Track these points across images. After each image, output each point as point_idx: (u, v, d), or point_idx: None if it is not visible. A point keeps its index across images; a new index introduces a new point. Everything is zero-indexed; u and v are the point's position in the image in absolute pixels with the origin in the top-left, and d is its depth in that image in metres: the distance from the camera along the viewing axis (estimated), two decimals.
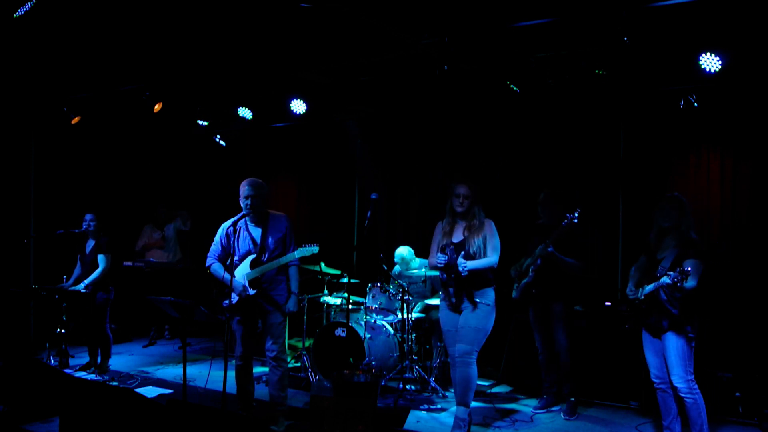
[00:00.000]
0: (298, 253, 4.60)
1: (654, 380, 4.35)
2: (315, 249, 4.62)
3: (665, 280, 3.93)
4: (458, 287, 4.60)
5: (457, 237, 4.66)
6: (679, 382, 4.13)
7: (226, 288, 4.56)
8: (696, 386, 4.14)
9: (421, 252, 6.49)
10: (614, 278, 6.49)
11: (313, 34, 5.43)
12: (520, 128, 6.92)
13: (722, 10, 4.57)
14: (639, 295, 4.26)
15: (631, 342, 5.36)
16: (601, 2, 4.64)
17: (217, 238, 4.76)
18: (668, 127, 6.17)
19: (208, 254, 4.77)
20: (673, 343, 4.14)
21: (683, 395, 4.14)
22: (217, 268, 4.71)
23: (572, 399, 5.18)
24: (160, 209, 8.42)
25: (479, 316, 4.56)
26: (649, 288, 4.14)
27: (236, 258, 4.65)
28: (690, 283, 3.89)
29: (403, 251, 6.52)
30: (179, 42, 5.77)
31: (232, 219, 4.70)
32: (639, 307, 4.27)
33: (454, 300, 4.65)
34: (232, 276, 4.48)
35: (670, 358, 4.15)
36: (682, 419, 4.35)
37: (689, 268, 3.81)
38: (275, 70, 6.38)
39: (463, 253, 4.52)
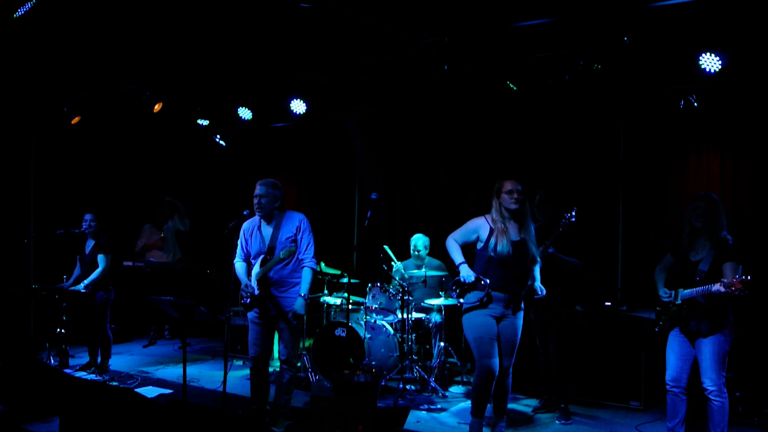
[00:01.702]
0: (283, 254, 4.47)
1: (669, 382, 4.26)
2: (293, 247, 4.52)
3: (718, 288, 3.85)
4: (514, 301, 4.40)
5: (514, 236, 4.39)
6: (712, 386, 4.05)
7: (240, 289, 4.65)
8: (725, 390, 4.08)
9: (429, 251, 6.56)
10: (614, 278, 6.49)
11: (313, 34, 5.43)
12: (520, 128, 6.93)
13: (722, 10, 4.57)
14: (675, 298, 4.15)
15: (631, 342, 5.37)
16: (601, 2, 4.64)
17: (239, 240, 4.80)
18: (668, 127, 6.17)
19: (235, 255, 4.81)
20: (710, 347, 4.05)
21: (713, 398, 4.06)
22: (238, 267, 4.77)
23: (562, 405, 5.16)
24: (161, 208, 8.41)
25: (521, 326, 4.47)
26: (689, 292, 4.05)
27: (252, 258, 4.72)
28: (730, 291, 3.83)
29: (422, 239, 6.51)
30: (179, 42, 5.77)
31: (250, 220, 4.76)
32: (678, 311, 4.15)
33: (505, 309, 4.37)
34: (234, 275, 4.48)
35: (706, 361, 4.06)
36: (687, 425, 4.31)
37: (748, 277, 3.74)
38: (275, 70, 6.38)
39: (536, 283, 4.46)
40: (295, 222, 4.67)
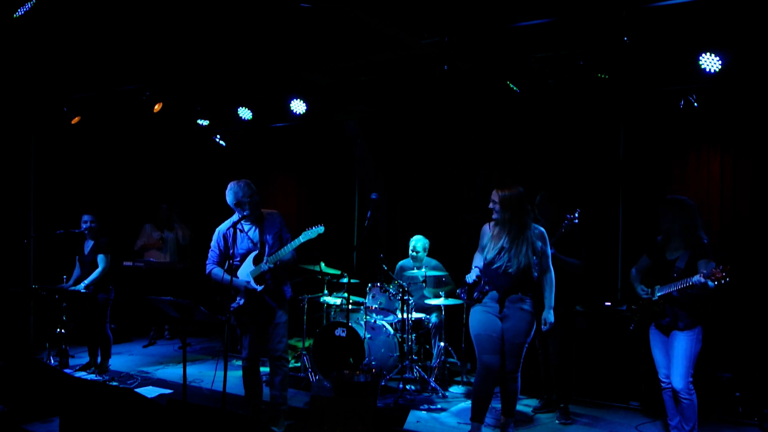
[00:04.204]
0: (303, 237, 4.54)
1: (663, 379, 4.33)
2: (320, 229, 4.56)
3: (698, 279, 3.91)
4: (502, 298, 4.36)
5: (506, 244, 4.35)
6: (679, 383, 4.13)
7: (231, 290, 4.57)
8: (692, 387, 4.15)
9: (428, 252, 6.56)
10: (614, 278, 6.49)
11: (313, 34, 5.43)
12: (520, 128, 6.93)
13: (722, 10, 4.58)
14: (653, 295, 4.25)
15: (631, 342, 5.37)
16: (601, 2, 4.64)
17: (213, 243, 4.75)
18: (668, 127, 6.17)
19: (207, 261, 4.76)
20: (682, 343, 4.14)
21: (682, 396, 4.15)
22: (218, 272, 4.70)
23: (562, 405, 5.16)
24: (161, 208, 8.40)
25: (525, 330, 4.33)
26: (667, 287, 4.13)
27: (236, 260, 4.65)
28: (711, 284, 3.89)
29: (421, 241, 6.49)
30: (179, 42, 5.77)
31: (228, 222, 4.71)
32: (653, 307, 4.25)
33: (500, 309, 4.35)
34: (232, 278, 4.47)
35: (676, 357, 4.15)
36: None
37: (721, 267, 3.82)
38: (275, 70, 6.38)
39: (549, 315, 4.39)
40: (276, 217, 4.76)
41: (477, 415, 4.39)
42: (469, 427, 4.50)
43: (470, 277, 4.40)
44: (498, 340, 4.31)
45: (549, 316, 4.42)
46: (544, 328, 4.43)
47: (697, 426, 4.21)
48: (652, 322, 4.34)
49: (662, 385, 4.35)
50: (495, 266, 4.34)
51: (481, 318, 4.37)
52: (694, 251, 4.14)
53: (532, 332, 4.37)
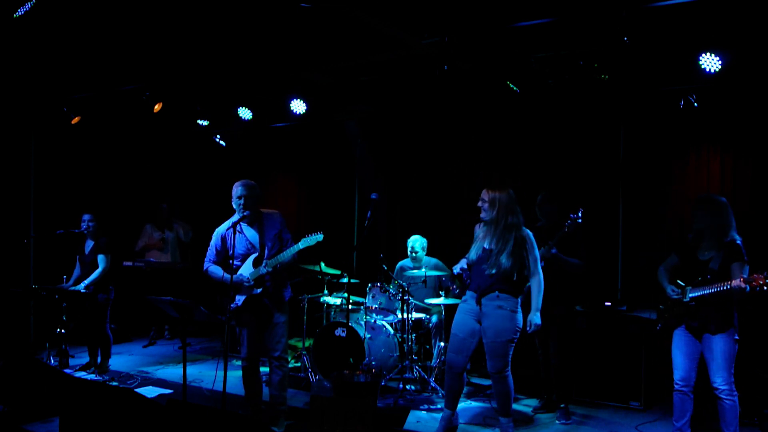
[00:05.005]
0: (302, 243, 4.55)
1: (678, 381, 4.25)
2: (319, 237, 4.58)
3: (738, 284, 3.83)
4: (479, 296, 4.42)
5: (488, 245, 4.39)
6: (723, 385, 4.05)
7: (231, 290, 4.57)
8: (735, 388, 4.08)
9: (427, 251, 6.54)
10: (614, 278, 6.49)
11: (313, 34, 5.43)
12: (520, 128, 6.93)
13: (722, 10, 4.57)
14: (684, 296, 4.16)
15: (631, 342, 5.37)
16: (601, 2, 4.64)
17: (212, 243, 4.76)
18: (668, 127, 6.18)
19: (205, 259, 4.78)
20: (720, 345, 4.06)
21: (725, 397, 4.06)
22: (215, 270, 4.70)
23: (562, 405, 5.16)
24: (162, 207, 8.40)
25: (506, 328, 4.32)
26: (701, 290, 4.05)
27: (237, 261, 4.65)
28: (749, 288, 3.83)
29: (419, 241, 6.48)
30: (179, 42, 5.77)
31: (228, 222, 4.71)
32: (685, 308, 4.16)
33: (477, 308, 4.41)
34: (232, 278, 4.47)
35: (716, 360, 4.06)
36: (693, 424, 4.31)
37: (765, 273, 3.76)
38: (275, 70, 6.38)
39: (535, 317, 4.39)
40: (276, 218, 4.74)
41: (447, 404, 4.63)
42: (468, 427, 4.55)
43: (456, 268, 4.52)
44: (465, 341, 4.42)
45: (535, 318, 4.40)
46: (529, 330, 4.43)
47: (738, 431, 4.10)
48: (681, 324, 4.22)
49: (675, 386, 4.27)
50: (477, 266, 4.39)
51: (458, 318, 4.51)
52: (727, 252, 4.06)
53: (517, 331, 4.36)
